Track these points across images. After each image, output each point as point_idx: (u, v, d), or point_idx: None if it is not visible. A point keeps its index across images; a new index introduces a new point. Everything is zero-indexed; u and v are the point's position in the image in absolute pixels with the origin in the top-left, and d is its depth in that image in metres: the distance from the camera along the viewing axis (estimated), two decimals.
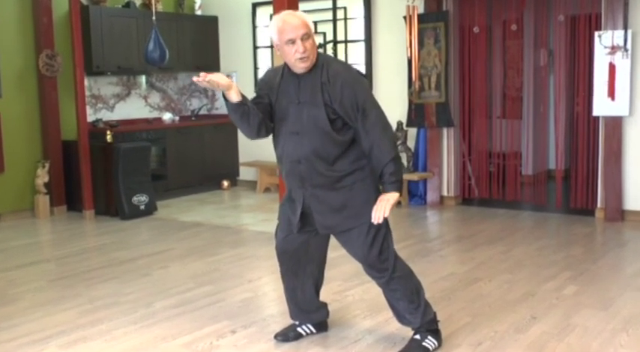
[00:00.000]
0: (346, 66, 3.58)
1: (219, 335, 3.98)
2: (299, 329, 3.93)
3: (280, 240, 3.77)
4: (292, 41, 3.31)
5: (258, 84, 3.66)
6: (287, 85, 3.47)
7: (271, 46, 8.52)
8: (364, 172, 3.47)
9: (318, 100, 3.37)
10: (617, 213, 6.84)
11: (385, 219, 3.43)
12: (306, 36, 3.33)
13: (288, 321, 4.18)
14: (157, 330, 4.10)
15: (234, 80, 9.26)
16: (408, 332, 3.87)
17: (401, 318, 3.72)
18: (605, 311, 4.26)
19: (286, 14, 3.38)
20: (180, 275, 5.28)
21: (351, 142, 3.43)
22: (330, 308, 4.38)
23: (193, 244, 6.29)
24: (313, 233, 3.64)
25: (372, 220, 3.36)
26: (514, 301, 4.47)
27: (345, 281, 4.95)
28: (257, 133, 3.50)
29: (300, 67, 3.38)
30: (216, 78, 3.24)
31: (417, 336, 3.68)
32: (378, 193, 3.46)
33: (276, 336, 3.93)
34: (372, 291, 4.65)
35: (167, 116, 9.01)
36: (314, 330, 3.96)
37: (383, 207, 3.34)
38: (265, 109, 3.48)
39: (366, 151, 3.41)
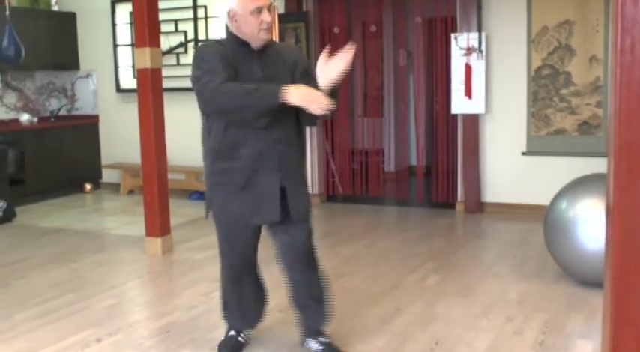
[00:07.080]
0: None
1: (85, 344, 3.85)
2: (240, 339, 3.68)
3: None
4: (259, 10, 3.16)
5: (213, 55, 3.15)
6: (245, 60, 3.23)
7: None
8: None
9: (285, 74, 3.27)
10: (476, 206, 7.16)
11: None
12: (272, 6, 3.26)
13: (154, 325, 4.12)
14: (18, 343, 3.91)
15: (94, 79, 9.13)
16: (278, 328, 3.91)
17: (310, 320, 3.63)
18: (466, 298, 4.46)
19: None
20: (41, 284, 5.07)
21: None
22: (197, 310, 4.37)
23: (54, 251, 6.06)
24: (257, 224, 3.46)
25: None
26: (379, 293, 4.59)
27: (212, 283, 4.91)
28: None
29: (263, 39, 3.22)
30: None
31: (327, 339, 3.62)
32: None
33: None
34: None
35: (25, 117, 8.62)
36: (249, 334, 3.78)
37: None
38: None
39: None
